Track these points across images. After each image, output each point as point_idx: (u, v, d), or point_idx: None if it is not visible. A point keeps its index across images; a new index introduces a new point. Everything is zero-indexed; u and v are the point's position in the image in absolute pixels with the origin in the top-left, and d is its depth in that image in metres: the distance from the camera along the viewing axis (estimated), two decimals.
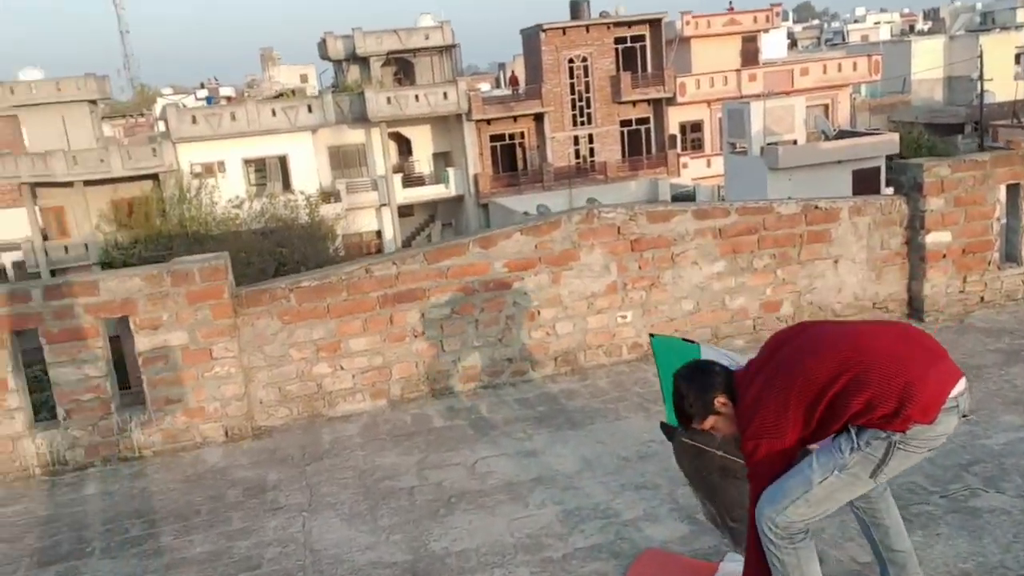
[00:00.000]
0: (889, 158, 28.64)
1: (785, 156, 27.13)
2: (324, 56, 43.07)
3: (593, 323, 5.74)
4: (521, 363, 5.64)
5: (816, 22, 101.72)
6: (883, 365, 2.54)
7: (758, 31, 42.83)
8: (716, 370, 2.83)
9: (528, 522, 3.86)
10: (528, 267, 5.54)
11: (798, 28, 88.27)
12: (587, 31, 38.84)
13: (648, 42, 39.70)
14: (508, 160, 39.03)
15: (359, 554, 3.73)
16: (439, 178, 38.55)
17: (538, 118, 38.57)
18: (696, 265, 5.84)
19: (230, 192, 34.55)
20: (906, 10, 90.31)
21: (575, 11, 40.59)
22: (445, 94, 36.60)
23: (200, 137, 34.40)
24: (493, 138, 38.49)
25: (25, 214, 35.70)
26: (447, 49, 41.83)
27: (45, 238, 36.01)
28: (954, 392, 2.54)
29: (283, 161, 35.97)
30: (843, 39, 74.65)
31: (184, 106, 39.88)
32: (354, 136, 36.87)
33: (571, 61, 38.60)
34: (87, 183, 34.49)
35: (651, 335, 3.54)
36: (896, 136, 30.09)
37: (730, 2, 45.80)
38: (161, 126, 40.31)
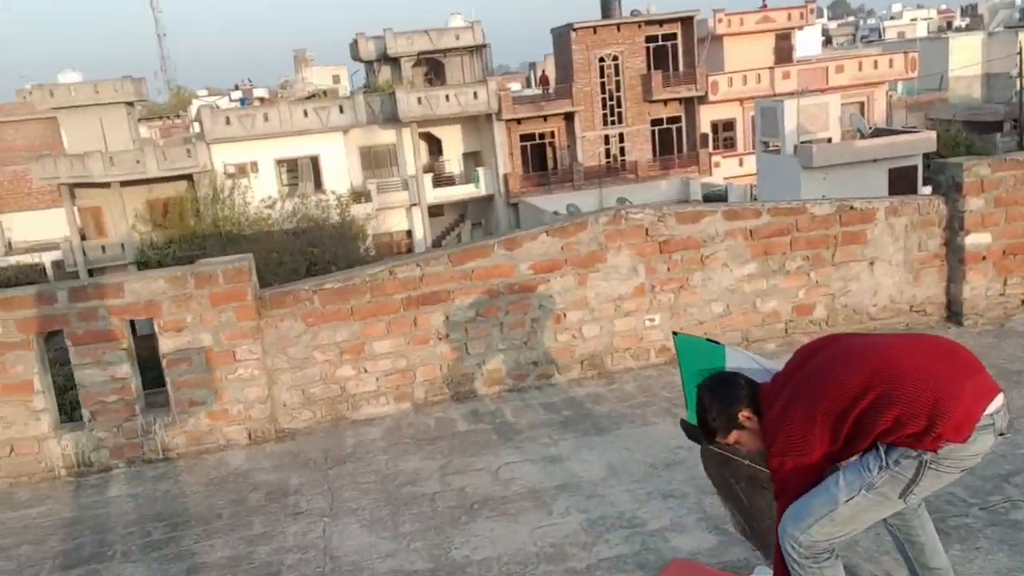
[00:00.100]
0: (926, 156, 28.14)
1: (819, 154, 26.75)
2: (356, 57, 43.29)
3: (620, 326, 5.64)
4: (546, 366, 5.56)
5: (851, 19, 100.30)
6: (913, 380, 2.42)
7: (792, 28, 42.26)
8: (741, 383, 2.74)
9: (552, 530, 3.78)
10: (554, 269, 5.45)
11: (833, 25, 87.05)
12: (618, 30, 38.62)
13: (680, 40, 39.39)
14: (538, 160, 38.94)
15: (379, 561, 3.67)
16: (469, 178, 38.58)
17: (568, 117, 38.44)
18: (726, 267, 5.72)
19: (263, 192, 34.87)
20: (943, 6, 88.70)
21: (606, 10, 40.39)
22: (475, 94, 36.60)
23: (233, 138, 34.75)
24: (523, 137, 38.43)
25: (64, 214, 36.38)
26: (477, 49, 41.82)
27: (83, 238, 36.64)
28: (990, 409, 2.41)
29: (315, 161, 36.22)
30: (879, 36, 73.49)
31: (218, 107, 40.34)
32: (385, 136, 37.01)
33: (602, 60, 38.41)
34: (124, 183, 35.00)
35: (675, 333, 3.44)
36: (933, 134, 29.54)
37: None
38: (196, 127, 40.77)
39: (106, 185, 35.04)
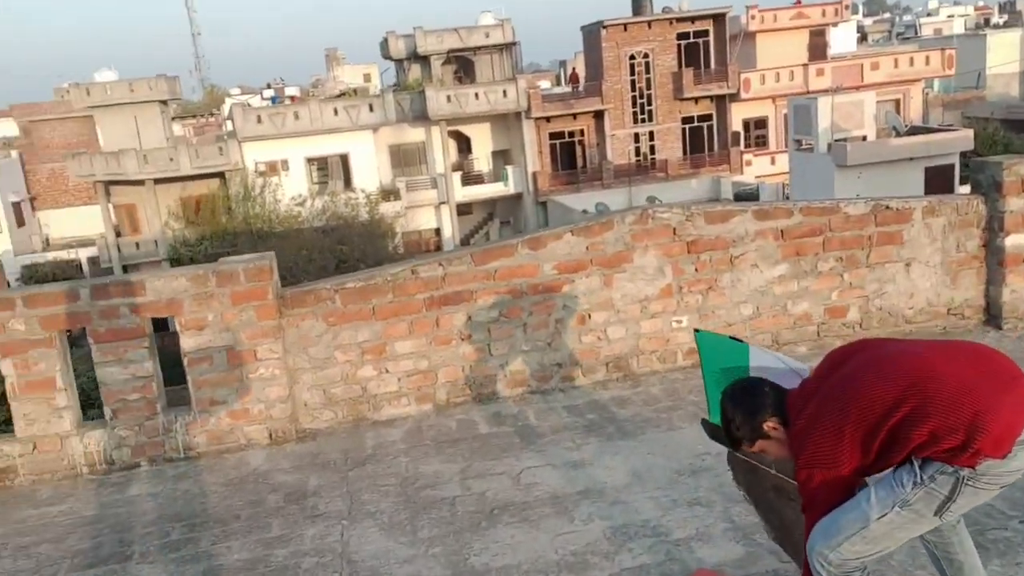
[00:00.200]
0: (963, 155, 27.56)
1: (854, 153, 26.30)
2: (386, 55, 43.40)
3: (646, 328, 5.52)
4: (570, 368, 5.46)
5: (887, 15, 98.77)
6: (950, 392, 2.29)
7: (826, 25, 41.64)
8: (765, 391, 2.61)
9: (573, 538, 3.68)
10: (579, 269, 5.35)
11: (868, 22, 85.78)
12: (649, 27, 38.31)
13: (711, 37, 38.99)
14: (567, 158, 38.76)
15: (397, 567, 3.60)
16: (498, 176, 38.52)
17: (598, 115, 38.22)
18: (756, 268, 5.58)
19: (293, 190, 35.08)
20: (981, 3, 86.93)
21: (637, 7, 40.09)
22: (505, 92, 36.53)
23: (265, 136, 34.99)
24: (552, 136, 38.28)
25: (99, 211, 36.91)
26: (507, 47, 41.71)
27: (118, 234, 37.15)
28: None
29: (345, 159, 36.35)
30: (915, 33, 72.27)
31: (250, 106, 40.64)
32: (414, 134, 37.07)
33: (632, 58, 38.13)
34: (157, 181, 35.40)
35: (696, 331, 3.33)
36: (971, 132, 28.91)
37: None
38: (229, 126, 41.14)
39: (140, 183, 35.47)
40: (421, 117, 36.04)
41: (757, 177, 36.59)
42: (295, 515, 4.15)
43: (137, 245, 36.67)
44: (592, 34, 39.05)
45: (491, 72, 41.00)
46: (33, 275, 36.00)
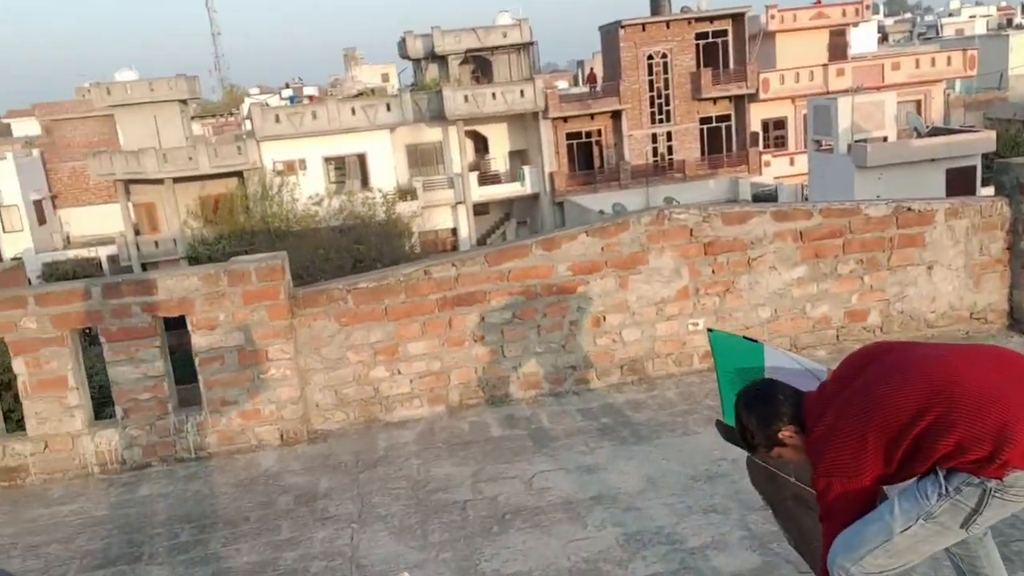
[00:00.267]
0: (985, 157, 27.21)
1: (874, 154, 26.02)
2: (404, 55, 43.44)
3: (662, 330, 5.45)
4: (585, 371, 5.39)
5: (908, 16, 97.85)
6: (977, 400, 2.20)
7: (846, 25, 41.30)
8: (780, 398, 2.51)
9: (586, 545, 3.62)
10: (594, 270, 5.28)
11: (889, 22, 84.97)
12: (667, 27, 38.13)
13: (730, 37, 38.74)
14: (584, 158, 38.64)
15: (407, 572, 3.55)
16: (515, 176, 38.45)
17: (615, 116, 38.08)
18: (775, 270, 5.49)
19: (310, 189, 35.18)
20: (1003, 3, 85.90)
21: (655, 7, 39.91)
22: (522, 92, 36.47)
23: (283, 135, 35.12)
24: (570, 136, 38.17)
25: (119, 210, 37.20)
26: (525, 47, 41.63)
27: (137, 233, 37.42)
28: None
29: (362, 159, 36.42)
30: (937, 33, 71.53)
31: (268, 105, 40.82)
32: (431, 134, 37.08)
33: (650, 58, 37.97)
34: (176, 180, 35.62)
35: (709, 330, 3.25)
36: (993, 134, 28.53)
37: None
38: (248, 125, 41.33)
39: (159, 181, 35.70)
40: (438, 117, 36.04)
41: (776, 178, 36.33)
42: (305, 517, 4.11)
43: (156, 244, 36.91)
44: (610, 34, 38.91)
45: (508, 72, 40.94)
46: (54, 272, 36.35)
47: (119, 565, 3.86)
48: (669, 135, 38.71)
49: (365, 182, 36.16)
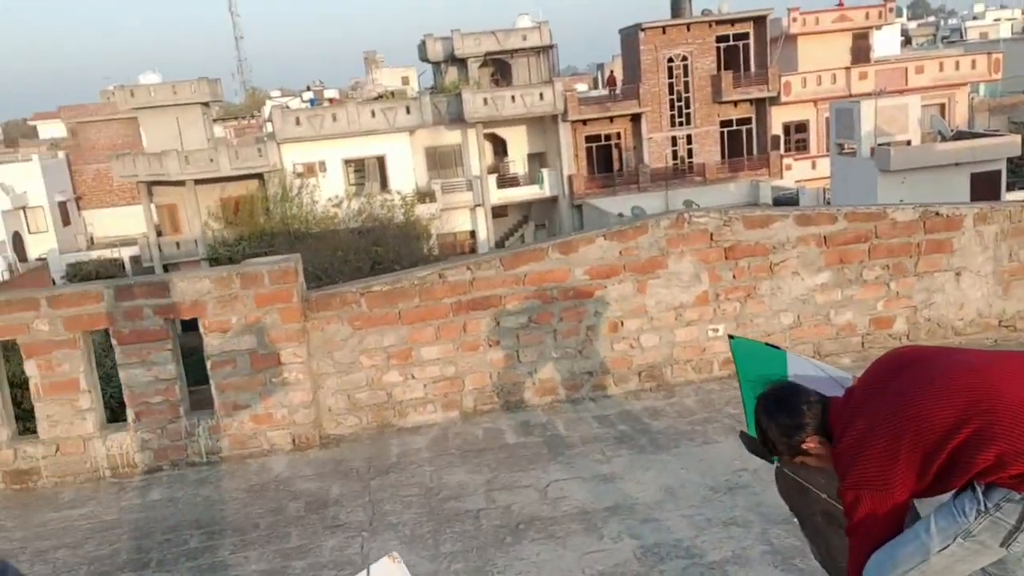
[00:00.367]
0: (1010, 161, 26.82)
1: (897, 158, 25.71)
2: (424, 58, 43.50)
3: (681, 336, 5.34)
4: (602, 377, 5.29)
5: (931, 19, 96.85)
6: (1016, 413, 2.08)
7: (869, 28, 40.88)
8: (803, 408, 2.36)
9: (601, 557, 3.51)
10: (611, 275, 5.18)
11: (912, 25, 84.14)
12: (688, 29, 37.90)
13: (752, 40, 38.43)
14: (604, 161, 38.48)
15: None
16: (534, 179, 38.37)
17: (635, 118, 37.89)
18: (797, 275, 5.36)
19: (330, 191, 35.29)
20: None
21: (676, 9, 39.69)
22: (541, 95, 36.37)
23: (303, 138, 35.25)
24: (589, 139, 38.03)
25: (142, 211, 37.50)
26: (544, 50, 41.55)
27: (159, 234, 37.70)
28: None
29: (381, 161, 36.48)
30: (961, 36, 70.70)
31: (288, 108, 41.00)
32: (450, 137, 37.07)
33: (670, 60, 37.75)
34: (198, 182, 35.85)
35: (731, 337, 3.13)
36: (1018, 138, 28.08)
37: None
38: (269, 127, 41.54)
39: (181, 183, 35.94)
40: (457, 119, 36.03)
41: (797, 182, 35.98)
42: (315, 525, 4.04)
43: (177, 245, 37.19)
44: (630, 37, 38.74)
45: (528, 75, 40.88)
46: (77, 273, 36.67)
47: (126, 572, 3.80)
48: (689, 138, 38.46)
49: (384, 184, 36.22)
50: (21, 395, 6.45)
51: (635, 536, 3.65)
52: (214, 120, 46.91)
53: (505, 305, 5.10)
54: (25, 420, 5.41)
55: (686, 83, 37.95)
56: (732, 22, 38.38)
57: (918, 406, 2.18)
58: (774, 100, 37.84)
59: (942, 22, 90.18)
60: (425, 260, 28.15)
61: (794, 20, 39.89)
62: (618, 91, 39.34)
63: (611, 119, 37.87)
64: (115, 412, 5.74)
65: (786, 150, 38.55)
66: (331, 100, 51.27)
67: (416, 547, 3.74)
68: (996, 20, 75.12)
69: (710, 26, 38.16)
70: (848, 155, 28.11)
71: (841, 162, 28.73)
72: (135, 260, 38.65)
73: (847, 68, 38.22)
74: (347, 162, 36.33)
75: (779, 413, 2.39)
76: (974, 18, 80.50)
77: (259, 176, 35.84)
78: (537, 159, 38.85)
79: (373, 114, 36.03)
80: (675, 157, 38.38)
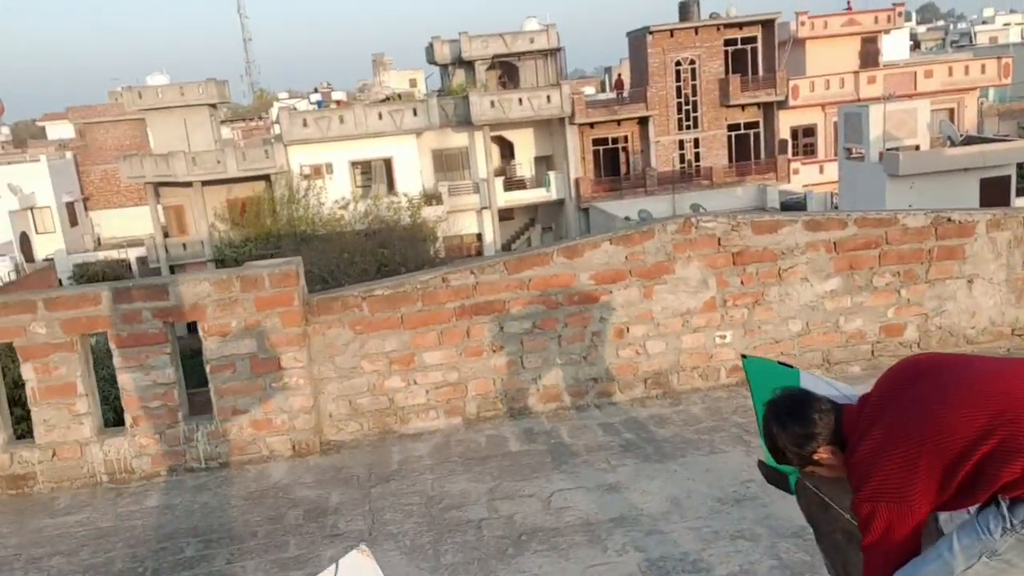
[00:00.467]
0: (1020, 166, 26.63)
1: (906, 162, 25.55)
2: (431, 60, 43.49)
3: (688, 342, 5.25)
4: (607, 384, 5.21)
5: (941, 23, 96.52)
6: None
7: (878, 32, 40.72)
8: (815, 417, 2.26)
9: (605, 571, 3.43)
10: (617, 280, 5.10)
11: (921, 29, 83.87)
12: (696, 33, 37.80)
13: (760, 44, 38.32)
14: (611, 164, 38.40)
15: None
16: (540, 182, 38.30)
17: (642, 122, 37.80)
18: (806, 282, 5.27)
19: (336, 193, 35.27)
20: None
21: (684, 13, 39.61)
22: (548, 98, 36.31)
23: (310, 139, 35.25)
24: (596, 142, 37.95)
25: (149, 212, 37.55)
26: (552, 53, 41.50)
27: (166, 235, 37.75)
28: None
29: (388, 163, 36.47)
30: (970, 41, 70.42)
31: (296, 110, 41.02)
32: (457, 139, 37.04)
33: (678, 64, 37.65)
34: (205, 183, 35.88)
35: (743, 356, 3.04)
36: None
37: (848, 2, 43.77)
38: (277, 129, 41.57)
39: (188, 184, 35.98)
40: (464, 122, 36.00)
41: (805, 186, 35.84)
42: (314, 534, 3.96)
43: (184, 246, 37.22)
44: (638, 40, 38.66)
45: (535, 78, 40.83)
46: (84, 274, 36.73)
47: None
48: (696, 142, 38.35)
49: (391, 186, 36.19)
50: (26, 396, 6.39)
51: (640, 549, 3.57)
52: (222, 122, 46.96)
53: (509, 310, 5.02)
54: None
55: (694, 86, 37.85)
56: (740, 25, 38.28)
57: (940, 414, 2.08)
58: (782, 104, 37.70)
59: (951, 26, 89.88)
60: (431, 262, 28.09)
61: (802, 24, 39.76)
62: (625, 94, 39.27)
63: (618, 122, 37.79)
64: (119, 414, 5.67)
65: (794, 154, 38.40)
66: (338, 102, 51.28)
67: (416, 558, 3.66)
68: (1006, 25, 74.80)
69: (718, 29, 38.06)
70: (856, 160, 27.97)
71: (849, 167, 28.58)
72: (142, 261, 38.72)
73: (855, 72, 38.08)
74: (354, 164, 36.32)
75: (790, 422, 2.30)
76: (983, 22, 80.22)
77: (266, 178, 35.84)
78: (544, 162, 38.80)
79: (380, 116, 36.01)
80: (682, 161, 38.27)
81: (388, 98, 43.07)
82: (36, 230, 40.15)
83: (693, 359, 5.28)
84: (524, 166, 39.14)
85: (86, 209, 43.68)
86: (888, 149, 26.19)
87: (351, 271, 26.73)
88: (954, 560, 2.10)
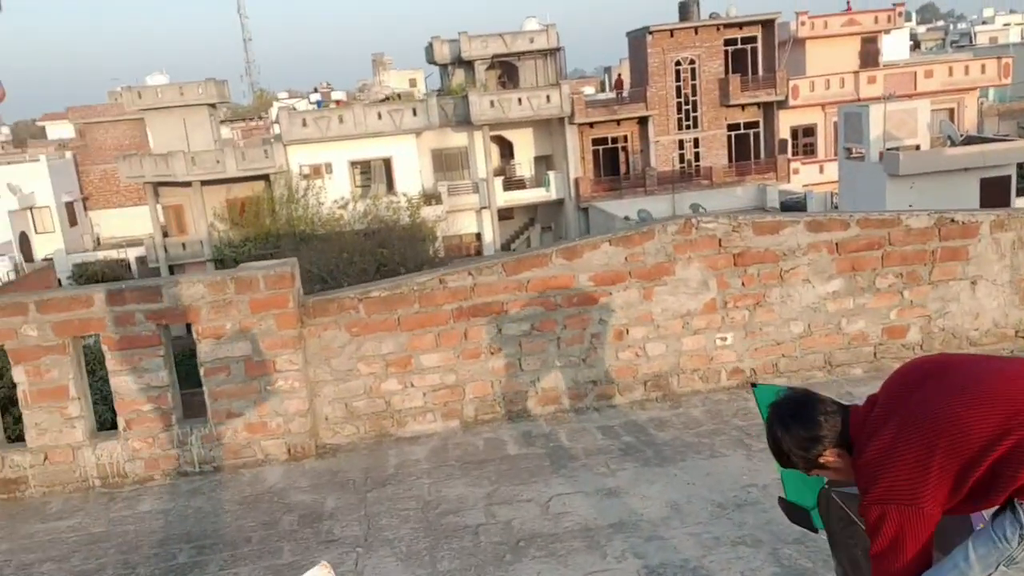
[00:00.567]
0: (1020, 166, 26.58)
1: (906, 162, 25.49)
2: (431, 60, 43.42)
3: (688, 344, 5.19)
4: (606, 386, 5.14)
5: (941, 23, 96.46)
6: None
7: (878, 32, 40.66)
8: (821, 419, 2.19)
9: None
10: (616, 281, 5.04)
11: (921, 29, 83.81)
12: (695, 33, 37.75)
13: (760, 43, 38.27)
14: (610, 164, 38.34)
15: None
16: (540, 181, 38.24)
17: (642, 122, 37.75)
18: (808, 283, 5.21)
19: (336, 193, 35.21)
20: None
21: (684, 12, 39.56)
22: (548, 97, 36.25)
23: (309, 139, 35.19)
24: (595, 141, 37.90)
25: (148, 212, 37.48)
26: (551, 52, 41.43)
27: (165, 235, 37.66)
28: None
29: (387, 163, 36.41)
30: (970, 41, 70.36)
31: (295, 110, 40.95)
32: (457, 139, 36.98)
33: (678, 63, 37.60)
34: (204, 183, 35.81)
35: (753, 385, 2.94)
36: None
37: (848, 2, 43.70)
38: (276, 129, 41.49)
39: (187, 184, 35.91)
40: (464, 122, 35.94)
41: (805, 186, 35.78)
42: (308, 540, 3.90)
43: (183, 246, 37.15)
44: (638, 40, 38.60)
45: (535, 77, 40.77)
46: (83, 273, 36.69)
47: None
48: (696, 141, 38.30)
49: (390, 186, 36.13)
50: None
51: (639, 555, 3.51)
52: (221, 121, 46.89)
53: (507, 312, 4.96)
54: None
55: (693, 86, 37.80)
56: (740, 25, 38.23)
57: (957, 412, 2.02)
58: (782, 104, 37.65)
59: (951, 26, 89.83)
60: (430, 262, 28.03)
61: (802, 24, 39.70)
62: (625, 94, 39.22)
63: (618, 122, 37.73)
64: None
65: (794, 154, 38.35)
66: (338, 102, 51.21)
67: (412, 565, 3.60)
68: (1006, 25, 74.76)
69: (718, 29, 38.01)
70: (856, 159, 27.91)
71: (849, 166, 28.53)
72: (141, 261, 38.65)
73: (855, 72, 38.03)
74: (353, 164, 36.26)
75: (795, 424, 2.23)
76: (983, 22, 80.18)
77: (265, 177, 35.78)
78: (543, 162, 38.74)
79: (380, 116, 35.95)
80: (682, 160, 38.22)
81: (388, 98, 42.99)
82: (35, 230, 40.08)
83: (693, 361, 5.22)
84: (523, 166, 39.08)
85: (85, 209, 43.61)
86: (888, 149, 26.13)
87: (350, 271, 26.67)
88: (970, 570, 2.03)
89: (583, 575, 3.40)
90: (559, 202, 37.88)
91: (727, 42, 37.97)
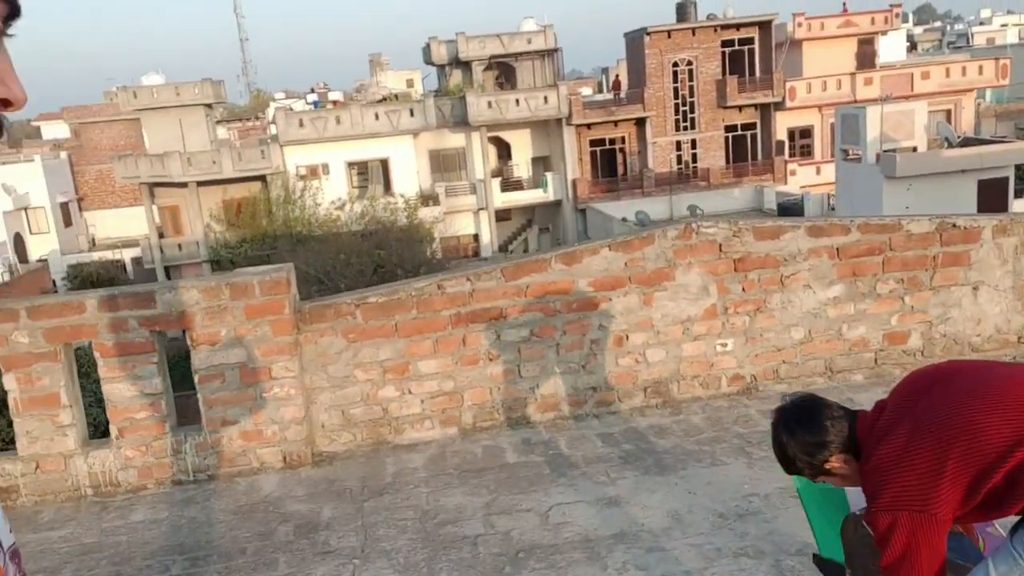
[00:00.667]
0: (1018, 168, 26.58)
1: (903, 164, 25.47)
2: (428, 61, 43.36)
3: (689, 351, 5.14)
4: (606, 393, 5.09)
5: (938, 24, 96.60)
6: None
7: (875, 33, 40.66)
8: (827, 424, 2.14)
9: None
10: (616, 286, 4.99)
11: (918, 30, 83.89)
12: (693, 34, 37.74)
13: (757, 45, 38.26)
14: (608, 165, 38.31)
15: None
16: (537, 183, 38.20)
17: (640, 123, 37.72)
18: (809, 289, 5.16)
19: (333, 194, 35.13)
20: None
21: (681, 14, 39.55)
22: (546, 98, 36.21)
23: (306, 140, 35.10)
24: (593, 143, 37.86)
25: (144, 213, 37.36)
26: (549, 53, 41.39)
27: (161, 236, 37.53)
28: None
29: (385, 164, 36.32)
30: (967, 42, 70.42)
31: (292, 110, 40.85)
32: (454, 140, 36.92)
33: (675, 65, 37.57)
34: (200, 183, 35.69)
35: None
36: None
37: (844, 3, 43.71)
38: (273, 129, 41.39)
39: (183, 185, 35.79)
40: (461, 122, 35.89)
41: (802, 187, 35.76)
42: (304, 551, 3.84)
43: (179, 247, 37.03)
44: (635, 41, 38.57)
45: (532, 78, 40.71)
46: (78, 274, 36.54)
47: None
48: (694, 143, 38.27)
49: (388, 187, 36.05)
50: None
51: (641, 567, 3.45)
52: (218, 122, 46.76)
53: (506, 317, 4.91)
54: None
55: (691, 88, 37.78)
56: (737, 27, 38.21)
57: (972, 418, 1.96)
58: (779, 105, 37.64)
59: (948, 27, 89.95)
60: (428, 263, 27.97)
61: (799, 25, 39.68)
62: (623, 95, 39.18)
63: (616, 123, 37.69)
64: None
65: (791, 155, 38.34)
66: (335, 102, 51.11)
67: None
68: (1003, 26, 74.87)
69: (715, 31, 37.99)
70: (853, 161, 27.88)
71: (846, 168, 28.50)
72: (136, 262, 38.51)
73: (852, 74, 38.01)
74: (350, 165, 36.18)
75: (800, 430, 2.18)
76: (981, 23, 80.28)
77: (262, 178, 35.68)
78: (541, 163, 38.69)
79: (377, 117, 35.86)
80: (679, 162, 38.20)
81: (385, 98, 42.92)
82: (30, 231, 39.93)
83: (694, 367, 5.17)
84: (521, 167, 39.02)
85: (81, 209, 43.46)
86: (885, 150, 26.11)
87: (347, 272, 26.58)
88: None
89: None
90: (557, 203, 37.84)
91: (724, 43, 37.96)
